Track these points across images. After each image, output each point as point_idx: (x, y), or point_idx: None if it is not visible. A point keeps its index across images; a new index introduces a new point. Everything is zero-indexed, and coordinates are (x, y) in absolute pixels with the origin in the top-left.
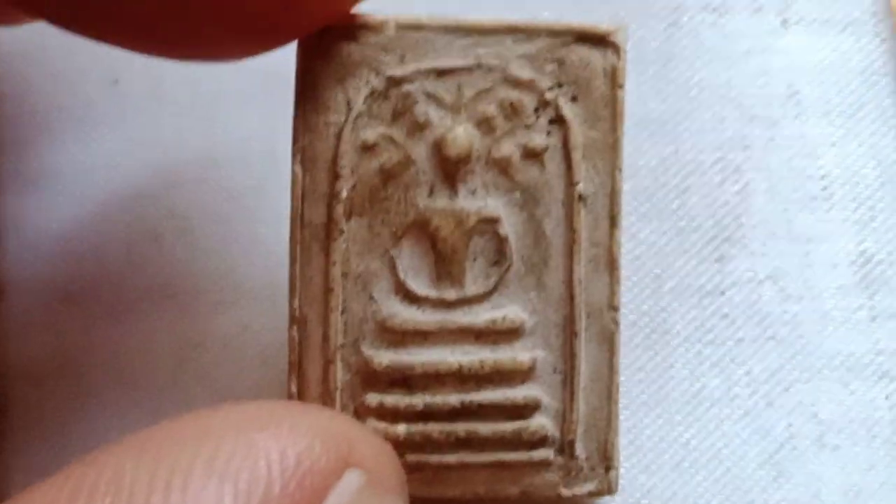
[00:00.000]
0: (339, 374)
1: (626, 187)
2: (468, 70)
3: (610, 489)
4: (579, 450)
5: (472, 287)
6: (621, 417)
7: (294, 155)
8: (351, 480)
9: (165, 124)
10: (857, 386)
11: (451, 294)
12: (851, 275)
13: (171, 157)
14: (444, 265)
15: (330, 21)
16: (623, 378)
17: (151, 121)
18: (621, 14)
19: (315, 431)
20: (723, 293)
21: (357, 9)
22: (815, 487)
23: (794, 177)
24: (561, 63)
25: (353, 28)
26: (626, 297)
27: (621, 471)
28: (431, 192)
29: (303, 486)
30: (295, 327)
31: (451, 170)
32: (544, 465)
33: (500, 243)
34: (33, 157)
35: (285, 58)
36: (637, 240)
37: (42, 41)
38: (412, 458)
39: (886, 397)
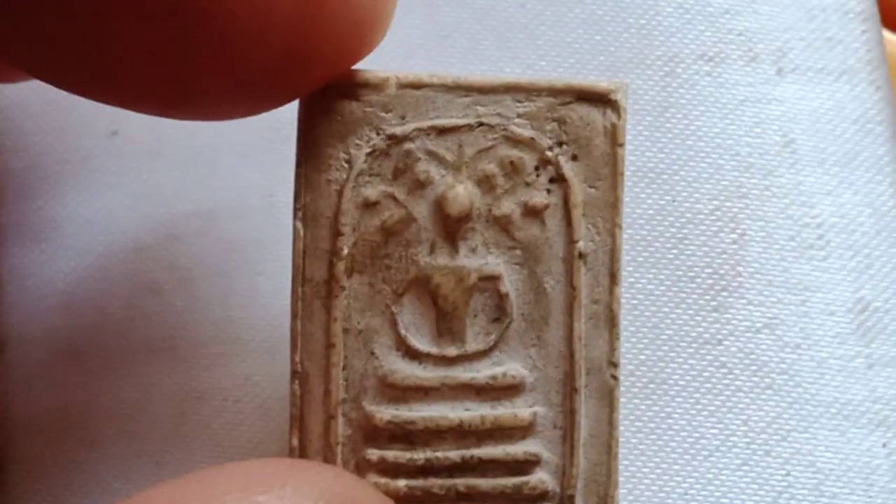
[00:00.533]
0: (341, 429)
1: (624, 237)
2: (469, 128)
3: None
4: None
5: (473, 343)
6: (620, 468)
7: (296, 212)
8: None
9: (165, 177)
10: (854, 434)
11: (451, 350)
12: (848, 323)
13: (171, 209)
14: (445, 322)
15: (331, 79)
16: (622, 428)
17: (151, 173)
18: (617, 65)
19: (319, 492)
20: (720, 342)
21: (357, 65)
22: None
23: (791, 225)
24: (561, 122)
25: (354, 86)
26: (624, 347)
27: None
28: (432, 250)
29: None
30: (297, 382)
31: (451, 227)
32: None
33: (501, 300)
34: (34, 210)
35: (285, 111)
36: (635, 289)
37: (42, 94)
38: None
39: (884, 445)
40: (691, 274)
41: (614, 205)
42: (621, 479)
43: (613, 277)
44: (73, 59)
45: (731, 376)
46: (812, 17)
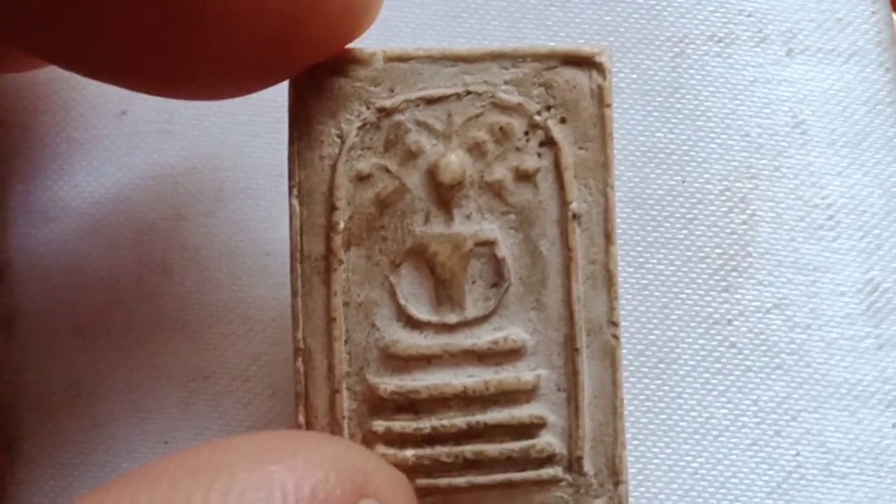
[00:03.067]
0: (346, 403)
1: (635, 217)
2: (457, 97)
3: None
4: (587, 466)
5: (473, 310)
6: (630, 447)
7: (290, 190)
8: None
9: (174, 157)
10: (864, 414)
11: (452, 318)
12: (858, 303)
13: (180, 189)
14: (444, 289)
15: (323, 58)
16: (632, 407)
17: (160, 153)
18: (627, 45)
19: (330, 463)
20: (730, 322)
21: (353, 44)
22: None
23: (801, 206)
24: (548, 86)
25: (342, 62)
26: (634, 326)
27: (630, 500)
28: (427, 219)
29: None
30: (300, 359)
31: (445, 195)
32: (553, 482)
33: (498, 265)
34: (44, 189)
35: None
36: (645, 269)
37: (51, 74)
38: (422, 482)
39: (893, 425)
40: (701, 254)
41: (605, 165)
42: (631, 458)
43: (609, 237)
44: (76, 41)
45: (740, 356)
46: None
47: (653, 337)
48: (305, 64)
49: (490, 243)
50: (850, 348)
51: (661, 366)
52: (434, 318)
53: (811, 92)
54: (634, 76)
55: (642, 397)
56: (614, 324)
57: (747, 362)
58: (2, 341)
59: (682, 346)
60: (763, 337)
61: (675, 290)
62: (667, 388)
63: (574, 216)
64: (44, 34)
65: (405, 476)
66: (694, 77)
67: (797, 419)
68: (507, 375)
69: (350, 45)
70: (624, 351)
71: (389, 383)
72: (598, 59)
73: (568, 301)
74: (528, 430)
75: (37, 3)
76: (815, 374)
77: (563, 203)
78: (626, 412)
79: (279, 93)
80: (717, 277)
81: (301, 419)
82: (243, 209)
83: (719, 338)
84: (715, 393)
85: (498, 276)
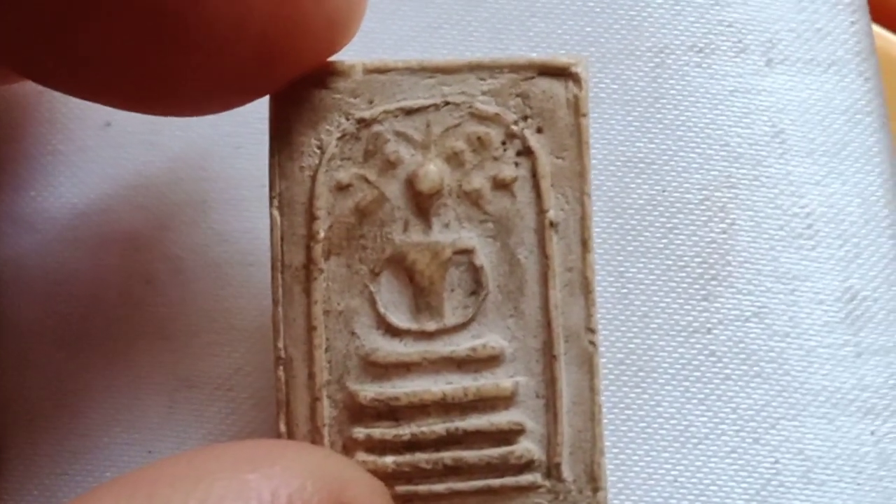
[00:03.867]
0: (326, 411)
1: (615, 226)
2: (435, 108)
3: None
4: (566, 472)
5: (451, 317)
6: (609, 455)
7: (271, 200)
8: None
9: (158, 168)
10: (843, 422)
11: (430, 325)
12: (836, 312)
13: (164, 200)
14: (423, 297)
15: (305, 72)
16: (611, 415)
17: (145, 164)
18: (608, 56)
19: (308, 471)
20: (709, 331)
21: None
22: None
23: (779, 215)
24: (525, 97)
25: (322, 75)
26: (613, 335)
27: None
28: (406, 228)
29: None
30: (281, 367)
31: (424, 204)
32: (532, 488)
33: (476, 273)
34: (27, 200)
35: None
36: (625, 278)
37: (35, 87)
38: (402, 489)
39: (872, 433)
40: (681, 263)
41: (581, 174)
42: (610, 466)
43: (585, 244)
44: (62, 63)
45: (720, 364)
46: (801, 9)
47: (632, 345)
48: (287, 78)
49: (468, 251)
50: (828, 356)
51: (641, 374)
52: (413, 326)
53: (790, 102)
54: (615, 86)
55: (622, 405)
56: (592, 330)
57: (726, 370)
58: None
59: (661, 354)
60: (742, 345)
61: (654, 298)
62: (646, 396)
63: (551, 224)
64: (30, 56)
65: (384, 485)
66: (674, 87)
67: (776, 427)
68: (485, 382)
69: (331, 58)
70: (604, 360)
71: (369, 390)
72: (574, 69)
73: (546, 308)
74: (507, 436)
75: (24, 26)
76: (794, 381)
77: (541, 211)
78: (605, 420)
79: (262, 105)
80: (697, 286)
81: (282, 427)
82: (227, 220)
83: (699, 346)
84: (694, 401)
85: (476, 284)
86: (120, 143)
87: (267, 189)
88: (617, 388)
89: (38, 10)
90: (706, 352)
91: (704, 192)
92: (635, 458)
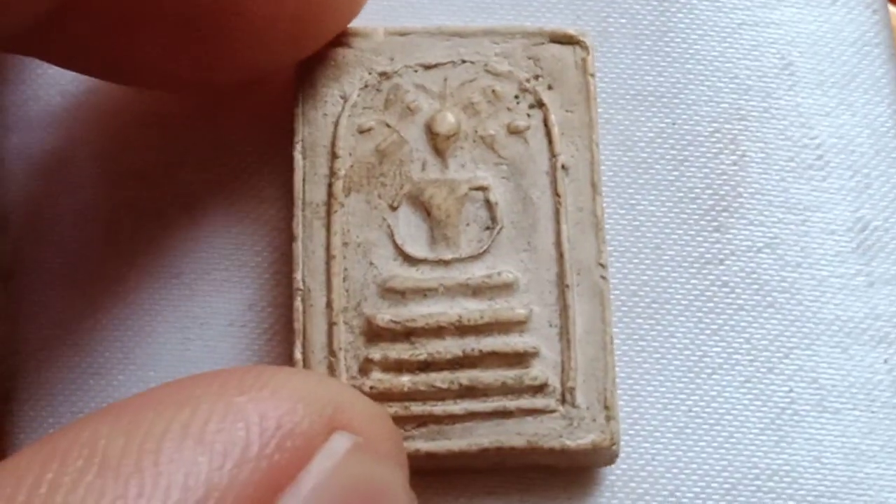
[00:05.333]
0: (343, 336)
1: (625, 160)
2: (452, 64)
3: (612, 440)
4: (580, 399)
5: (467, 248)
6: (624, 386)
7: (294, 145)
8: (338, 443)
9: (170, 106)
10: (856, 351)
11: (447, 255)
12: (848, 241)
13: (178, 138)
14: (440, 229)
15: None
16: (625, 347)
17: (156, 102)
18: None
19: (299, 395)
20: (722, 262)
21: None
22: (817, 451)
23: (790, 146)
24: (536, 59)
25: (346, 35)
26: (626, 267)
27: (625, 438)
28: (424, 167)
29: (283, 448)
30: (299, 298)
31: (441, 145)
32: (546, 412)
33: (491, 209)
34: (41, 142)
35: None
36: (636, 210)
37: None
38: (417, 408)
39: (885, 361)
40: (692, 195)
41: (590, 125)
42: (626, 396)
43: (595, 187)
44: (112, 62)
45: (732, 295)
46: None
47: (645, 277)
48: (314, 49)
49: (483, 189)
50: (840, 286)
51: (654, 306)
52: (430, 255)
53: (799, 34)
54: (623, 20)
55: (636, 337)
56: (602, 266)
57: (739, 301)
58: (1, 293)
59: (674, 286)
60: (755, 276)
61: (666, 230)
62: (660, 327)
63: (563, 167)
64: (80, 56)
65: (385, 410)
66: (682, 20)
67: (789, 356)
68: (501, 306)
69: (352, 25)
70: (616, 292)
71: (386, 313)
72: (580, 38)
73: (558, 243)
74: (522, 358)
75: (79, 28)
76: (807, 311)
77: (552, 155)
78: (619, 352)
79: None
80: (709, 218)
81: (298, 355)
82: (239, 157)
83: (711, 277)
84: (708, 332)
85: (491, 219)
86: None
87: (280, 129)
88: (630, 319)
89: (103, 16)
90: (718, 283)
91: (714, 124)
92: (650, 388)
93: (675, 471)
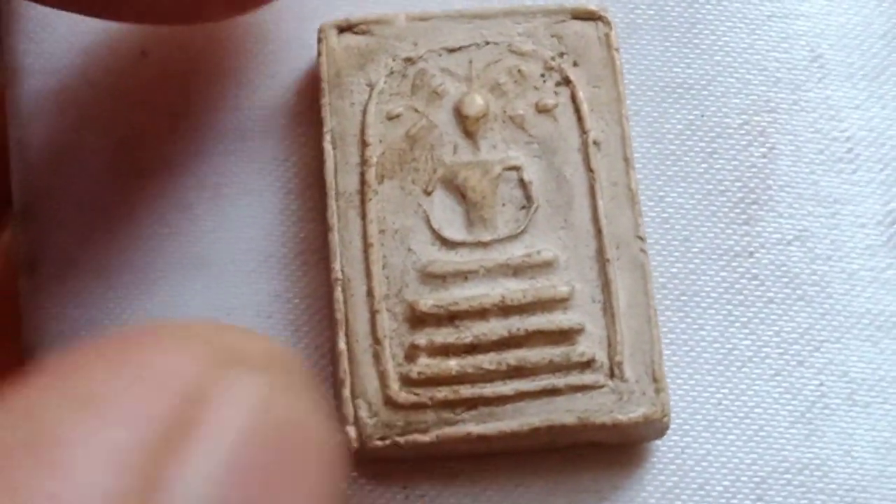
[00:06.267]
0: (386, 323)
1: (654, 151)
2: (476, 46)
3: (664, 412)
4: (628, 372)
5: (504, 229)
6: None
7: (324, 135)
8: (242, 386)
9: (194, 96)
10: (887, 344)
11: (485, 236)
12: (878, 235)
13: (201, 128)
14: (476, 211)
15: None
16: None
17: (180, 93)
18: None
19: (196, 340)
20: (751, 255)
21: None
22: (847, 445)
23: (820, 139)
24: (559, 37)
25: (367, 24)
26: (655, 259)
27: None
28: (455, 150)
29: (181, 399)
30: (339, 288)
31: (471, 128)
32: (595, 387)
33: (526, 189)
34: (64, 132)
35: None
36: (665, 203)
37: (70, 16)
38: (467, 391)
39: None
40: (721, 188)
41: (618, 99)
42: None
43: (628, 161)
44: None
45: (762, 288)
46: None
47: (674, 270)
48: None
49: (517, 168)
50: (871, 279)
51: (683, 298)
52: (468, 238)
53: (829, 26)
54: (651, 12)
55: (664, 329)
56: (641, 238)
57: (769, 294)
58: (25, 282)
59: (703, 278)
60: (784, 269)
61: (695, 223)
62: (689, 320)
63: (594, 143)
64: None
65: (287, 348)
66: (711, 12)
67: (820, 349)
68: (543, 284)
69: (372, 13)
70: None
71: (429, 298)
72: (602, 13)
73: (595, 218)
74: (568, 335)
75: None
76: (837, 304)
77: (583, 132)
78: None
79: (298, 33)
80: (738, 210)
81: (342, 345)
82: (264, 148)
83: (741, 270)
84: (737, 325)
85: (526, 198)
86: (156, 72)
87: (304, 118)
88: (660, 312)
89: None
90: (748, 275)
91: (743, 116)
92: (679, 381)
93: (704, 464)
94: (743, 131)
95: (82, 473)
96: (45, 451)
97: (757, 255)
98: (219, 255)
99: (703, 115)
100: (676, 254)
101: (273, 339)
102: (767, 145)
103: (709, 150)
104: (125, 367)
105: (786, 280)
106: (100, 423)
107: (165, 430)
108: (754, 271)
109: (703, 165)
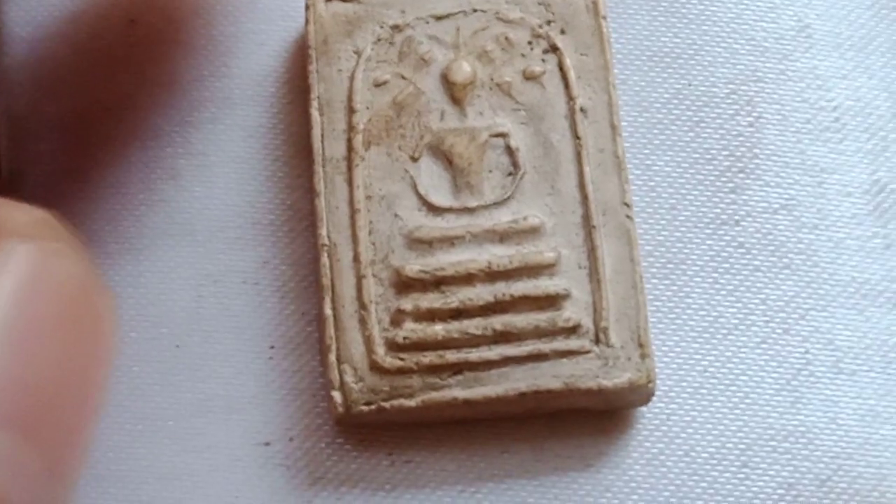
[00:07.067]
0: (373, 289)
1: (641, 120)
2: (464, 14)
3: (649, 377)
4: (614, 338)
5: (491, 195)
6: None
7: (310, 101)
8: (8, 253)
9: (181, 64)
10: (872, 313)
11: (471, 202)
12: (864, 204)
13: (188, 96)
14: (463, 177)
15: None
16: None
17: (168, 61)
18: None
19: None
20: (737, 223)
21: None
22: (832, 413)
23: (806, 108)
24: (546, 5)
25: None
26: (642, 227)
27: None
28: (443, 117)
29: None
30: (325, 253)
31: (458, 94)
32: (581, 353)
33: (513, 155)
34: (52, 99)
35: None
36: (652, 171)
37: None
38: (453, 356)
39: None
40: (708, 156)
41: (605, 67)
42: None
43: (615, 128)
44: None
45: (748, 256)
46: None
47: (661, 238)
48: None
49: (503, 135)
50: (857, 248)
51: (670, 266)
52: (455, 204)
53: None
54: None
55: (651, 297)
56: (627, 205)
57: (755, 262)
58: None
59: (690, 246)
60: (770, 237)
61: (682, 191)
62: (675, 287)
63: (581, 109)
64: None
65: (49, 213)
66: None
67: (805, 318)
68: (529, 250)
69: None
70: None
71: (415, 264)
72: None
73: (581, 185)
74: (554, 300)
75: None
76: (823, 273)
77: (570, 99)
78: None
79: (286, 7)
80: (725, 179)
81: (328, 310)
82: (251, 115)
83: (727, 238)
84: (723, 293)
85: (513, 165)
86: (144, 40)
87: (292, 84)
88: (646, 280)
89: None
90: (734, 244)
91: (731, 85)
92: (665, 348)
93: (689, 431)
94: (730, 100)
95: None
96: None
97: (743, 223)
98: (206, 222)
99: (690, 84)
100: (663, 222)
101: (35, 209)
102: (754, 114)
103: (696, 118)
104: None
105: (772, 248)
106: None
107: None
108: (740, 239)
109: (690, 134)
